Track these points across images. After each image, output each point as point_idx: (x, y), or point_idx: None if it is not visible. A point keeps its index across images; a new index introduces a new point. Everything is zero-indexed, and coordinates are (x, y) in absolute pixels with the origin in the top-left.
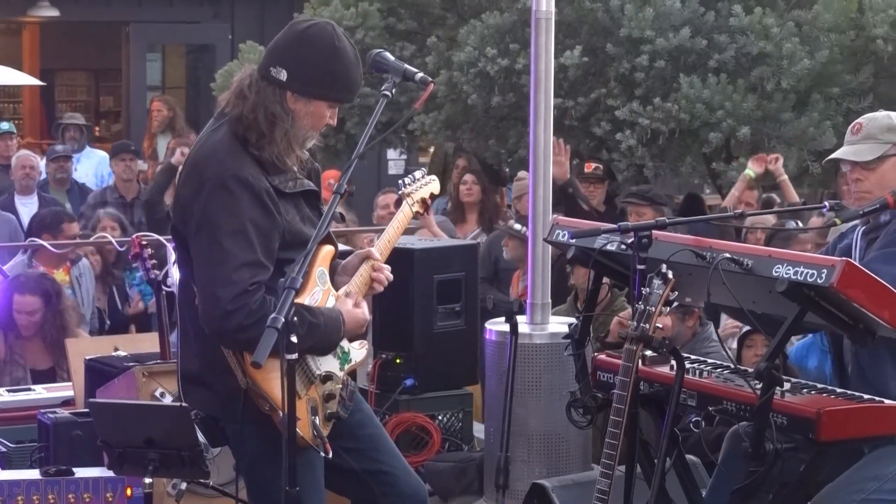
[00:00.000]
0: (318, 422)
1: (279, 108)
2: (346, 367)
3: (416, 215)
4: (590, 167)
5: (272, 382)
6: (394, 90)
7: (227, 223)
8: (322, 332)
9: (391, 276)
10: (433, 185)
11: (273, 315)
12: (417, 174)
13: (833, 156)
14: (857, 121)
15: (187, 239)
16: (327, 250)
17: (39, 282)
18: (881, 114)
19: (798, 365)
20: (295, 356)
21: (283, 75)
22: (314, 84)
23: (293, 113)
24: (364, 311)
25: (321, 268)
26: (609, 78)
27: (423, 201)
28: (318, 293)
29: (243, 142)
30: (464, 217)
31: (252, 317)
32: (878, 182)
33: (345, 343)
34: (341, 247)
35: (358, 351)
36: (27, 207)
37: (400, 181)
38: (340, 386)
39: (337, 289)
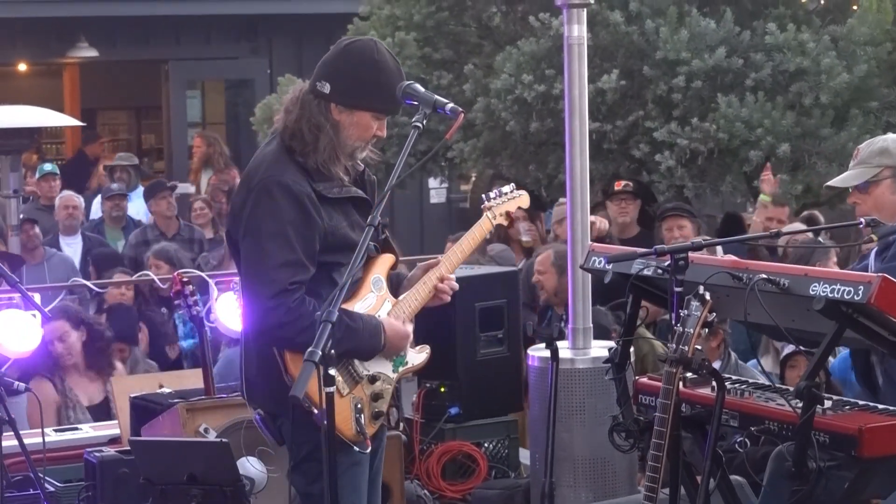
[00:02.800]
0: (363, 420)
1: (322, 120)
2: (402, 369)
3: (500, 227)
4: (619, 184)
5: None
6: (425, 121)
7: (269, 226)
8: (359, 337)
9: (456, 286)
10: (522, 198)
11: (310, 349)
12: (506, 189)
13: (827, 183)
14: (859, 146)
15: (238, 244)
16: (386, 258)
17: (63, 308)
18: (879, 138)
19: (843, 379)
20: (333, 389)
21: (327, 88)
22: (354, 95)
23: (338, 124)
24: (406, 326)
25: (377, 275)
26: (647, 100)
27: (508, 213)
28: (371, 298)
29: (290, 151)
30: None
31: (290, 314)
32: (875, 205)
33: None
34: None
35: (416, 354)
36: (71, 248)
37: (484, 195)
38: (391, 387)
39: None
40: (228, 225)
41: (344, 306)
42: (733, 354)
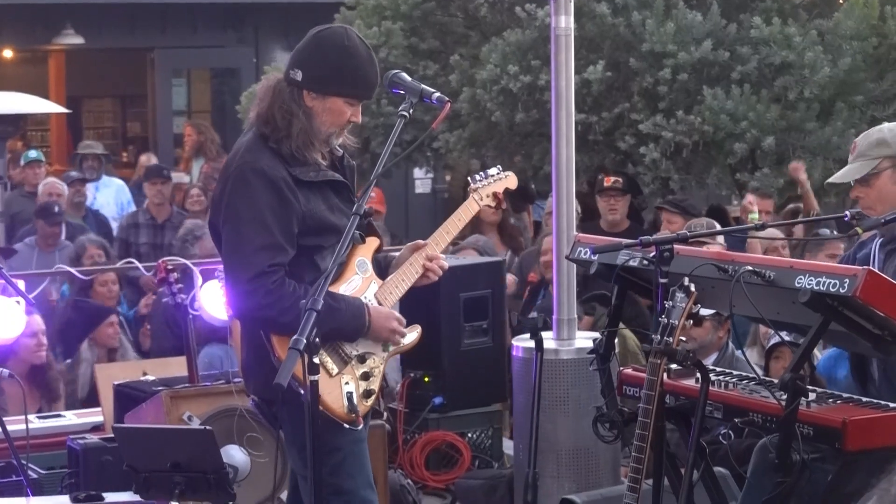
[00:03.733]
0: (354, 398)
1: (295, 106)
2: (392, 348)
3: (488, 208)
4: (609, 181)
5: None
6: (411, 110)
7: (246, 211)
8: (341, 317)
9: (446, 265)
10: (508, 180)
11: (295, 337)
12: (492, 171)
13: (828, 180)
14: (855, 140)
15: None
16: (370, 241)
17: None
18: (875, 129)
19: (827, 375)
20: (318, 377)
21: (299, 75)
22: (326, 81)
23: (311, 110)
24: (391, 311)
25: (361, 257)
26: (632, 92)
27: (496, 195)
28: (356, 280)
29: (264, 138)
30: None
31: (270, 296)
32: (878, 197)
33: None
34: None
35: (407, 334)
36: None
37: (470, 177)
38: (382, 365)
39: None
40: (211, 214)
41: (329, 289)
42: (731, 345)
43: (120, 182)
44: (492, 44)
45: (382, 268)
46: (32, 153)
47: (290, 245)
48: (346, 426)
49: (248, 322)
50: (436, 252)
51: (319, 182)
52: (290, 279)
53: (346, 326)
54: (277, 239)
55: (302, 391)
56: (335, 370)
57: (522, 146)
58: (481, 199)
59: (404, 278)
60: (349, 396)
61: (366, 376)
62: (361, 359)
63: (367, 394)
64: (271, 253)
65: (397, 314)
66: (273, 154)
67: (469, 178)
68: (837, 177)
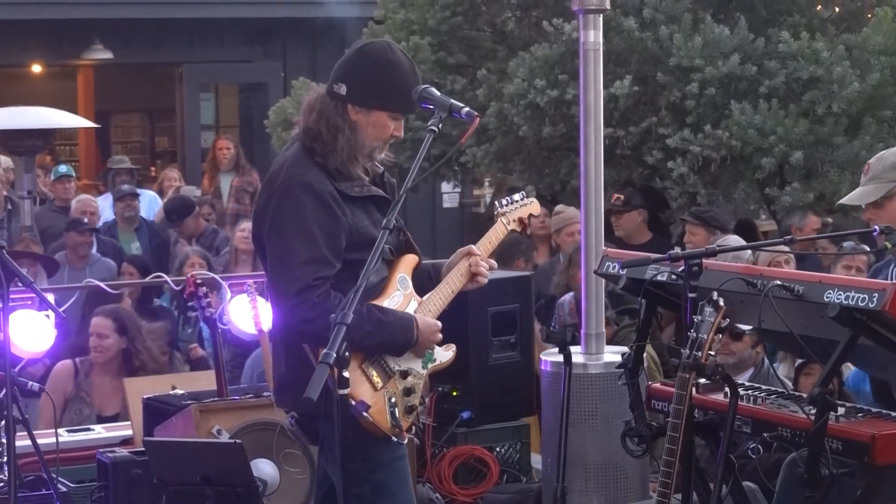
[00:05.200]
0: (397, 413)
1: (340, 121)
2: (431, 365)
3: (513, 233)
4: (614, 198)
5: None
6: (440, 125)
7: (293, 224)
8: (391, 331)
9: (495, 265)
10: (533, 206)
11: (325, 351)
12: (517, 196)
13: (840, 201)
14: (869, 161)
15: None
16: (410, 258)
17: (115, 310)
18: (889, 152)
19: (855, 389)
20: (347, 391)
21: (343, 90)
22: (370, 95)
23: (355, 124)
24: (436, 321)
25: (402, 273)
26: (660, 106)
27: (521, 220)
28: (398, 297)
29: (310, 152)
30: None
31: (315, 309)
32: (890, 219)
33: None
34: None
35: (444, 352)
36: None
37: (497, 202)
38: (421, 381)
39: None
40: (254, 228)
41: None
42: (766, 361)
43: (152, 193)
44: (519, 58)
45: (433, 276)
46: (62, 168)
47: (336, 259)
48: (394, 439)
49: (292, 336)
50: (482, 256)
51: (363, 197)
52: (336, 292)
53: (395, 339)
54: (323, 252)
55: (353, 402)
56: (380, 384)
57: (550, 160)
58: (508, 224)
59: (443, 293)
60: (392, 411)
61: (407, 392)
62: (403, 374)
63: (409, 409)
64: (317, 266)
65: (440, 325)
66: (319, 168)
67: (496, 203)
68: (850, 199)
